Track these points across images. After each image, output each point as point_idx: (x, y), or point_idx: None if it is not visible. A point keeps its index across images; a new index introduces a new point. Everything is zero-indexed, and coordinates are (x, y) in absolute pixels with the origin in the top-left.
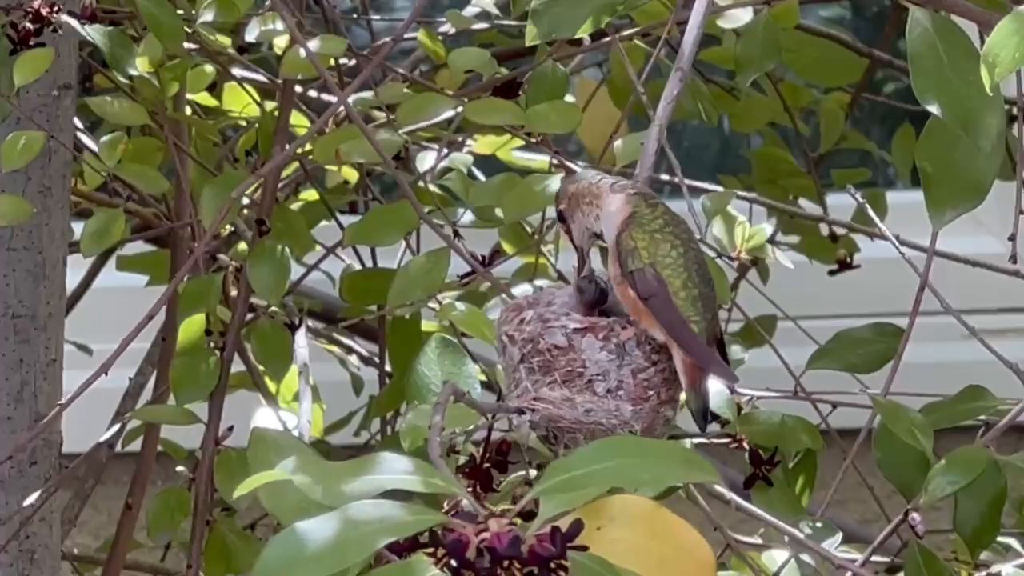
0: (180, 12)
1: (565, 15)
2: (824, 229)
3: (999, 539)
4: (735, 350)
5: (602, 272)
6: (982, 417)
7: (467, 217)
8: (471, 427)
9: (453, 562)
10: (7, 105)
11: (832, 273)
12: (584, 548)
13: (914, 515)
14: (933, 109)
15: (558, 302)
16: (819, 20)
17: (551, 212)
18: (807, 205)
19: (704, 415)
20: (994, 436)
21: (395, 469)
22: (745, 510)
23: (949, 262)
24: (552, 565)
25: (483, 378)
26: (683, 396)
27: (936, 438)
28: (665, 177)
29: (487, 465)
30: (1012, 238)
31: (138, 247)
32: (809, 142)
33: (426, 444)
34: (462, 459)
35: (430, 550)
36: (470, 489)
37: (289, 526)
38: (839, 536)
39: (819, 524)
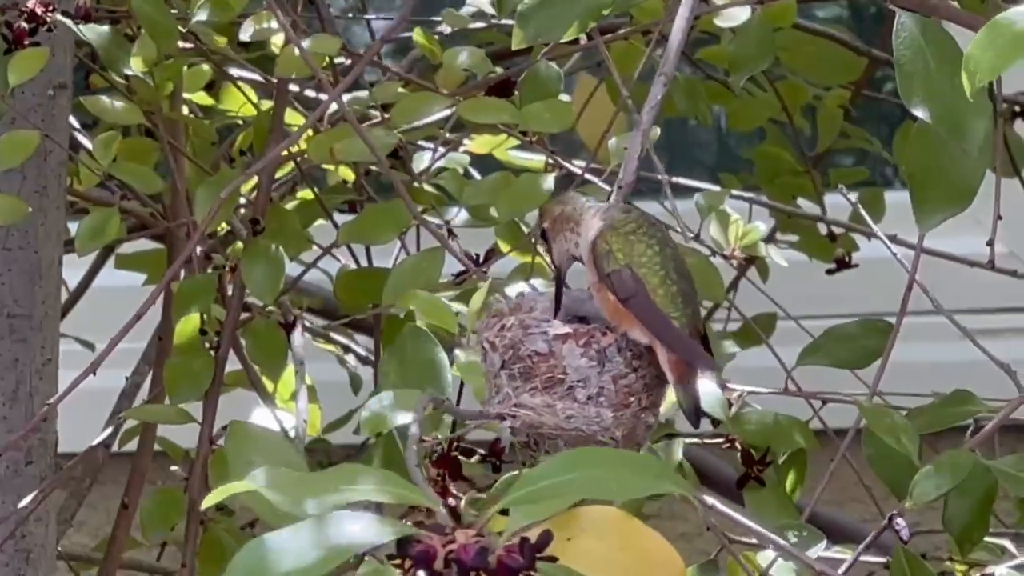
0: (175, 11)
1: (551, 19)
2: (822, 228)
3: (994, 540)
4: (727, 345)
5: (576, 289)
6: (975, 417)
7: (462, 216)
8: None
9: (421, 573)
10: (2, 105)
11: (830, 272)
12: (554, 559)
13: (899, 520)
14: (919, 113)
15: (539, 308)
16: (816, 20)
17: None
18: (806, 204)
19: (696, 412)
20: (981, 439)
21: (366, 481)
22: (729, 517)
23: (948, 261)
24: None
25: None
26: (670, 398)
27: (928, 436)
28: (662, 177)
29: (455, 454)
30: (991, 243)
31: (136, 246)
32: (808, 141)
33: (390, 434)
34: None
35: (397, 561)
36: (439, 478)
37: (257, 537)
38: (823, 543)
39: (805, 533)
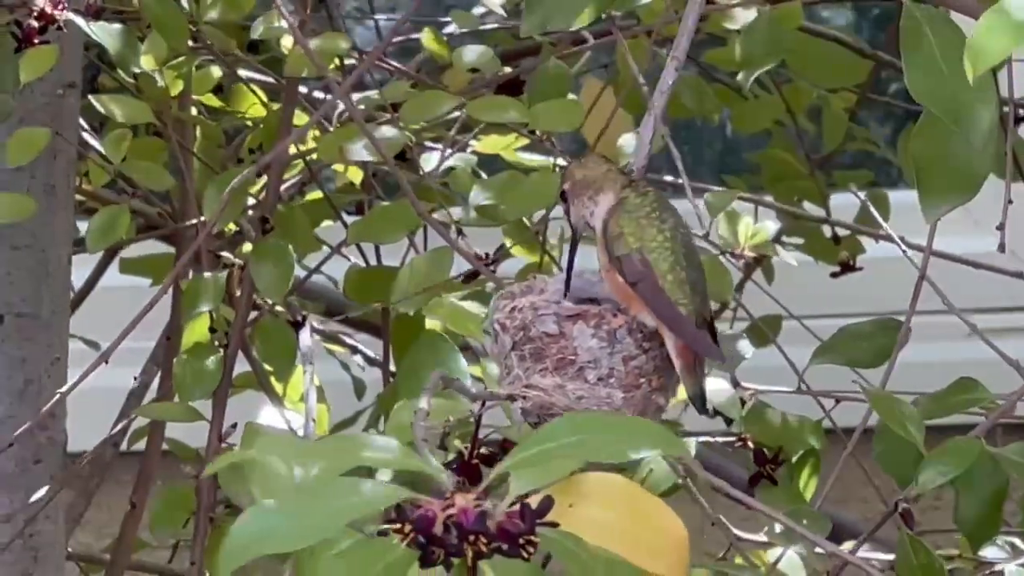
0: (185, 11)
1: (560, 5)
2: (827, 230)
3: (1004, 538)
4: (744, 346)
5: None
6: (978, 408)
7: (469, 215)
8: (461, 417)
9: (420, 538)
10: (11, 103)
11: (835, 275)
12: (555, 525)
13: (904, 505)
14: (925, 103)
15: (550, 290)
16: (821, 21)
17: (554, 211)
18: (811, 207)
19: (701, 398)
20: (987, 427)
21: (372, 447)
22: (737, 499)
23: (953, 262)
24: (521, 541)
25: (478, 375)
26: (681, 395)
27: (935, 436)
28: (668, 178)
29: (475, 461)
30: (1001, 227)
31: (142, 249)
32: (813, 143)
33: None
34: (451, 455)
35: (397, 526)
36: (460, 486)
37: (257, 504)
38: (829, 527)
39: (812, 520)
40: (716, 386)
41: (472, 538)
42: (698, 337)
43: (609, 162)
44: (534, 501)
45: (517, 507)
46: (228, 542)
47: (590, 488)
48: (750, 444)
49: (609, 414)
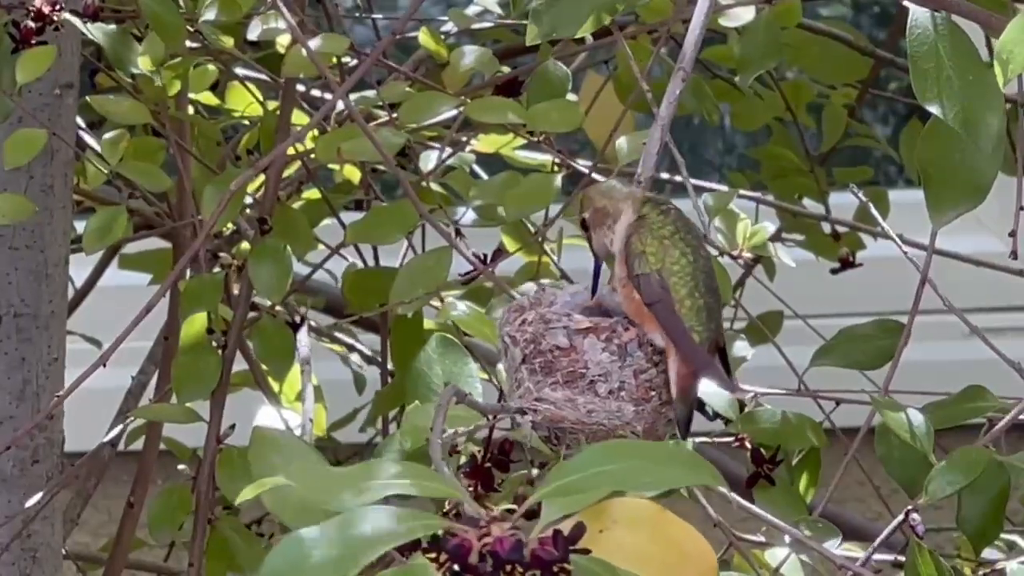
0: (182, 11)
1: (566, 14)
2: (826, 227)
3: (1003, 536)
4: (740, 346)
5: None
6: (987, 415)
7: (469, 216)
8: (472, 427)
9: (455, 566)
10: (9, 103)
11: (835, 271)
12: (587, 551)
13: (914, 516)
14: (933, 109)
15: (560, 302)
16: (820, 19)
17: (553, 210)
18: (810, 204)
19: (687, 424)
20: (995, 436)
21: (397, 474)
22: (746, 509)
23: (952, 261)
24: (555, 569)
25: (484, 376)
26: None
27: (938, 435)
28: (667, 175)
29: (488, 465)
30: (1013, 234)
31: (142, 245)
32: (813, 140)
33: (427, 444)
34: (463, 459)
35: (432, 554)
36: (471, 489)
37: (292, 532)
38: (839, 537)
39: (820, 524)
40: (714, 387)
41: (508, 567)
42: (709, 365)
43: (629, 184)
44: (564, 527)
45: (549, 534)
46: (264, 570)
47: (619, 513)
48: (747, 444)
49: (641, 443)
